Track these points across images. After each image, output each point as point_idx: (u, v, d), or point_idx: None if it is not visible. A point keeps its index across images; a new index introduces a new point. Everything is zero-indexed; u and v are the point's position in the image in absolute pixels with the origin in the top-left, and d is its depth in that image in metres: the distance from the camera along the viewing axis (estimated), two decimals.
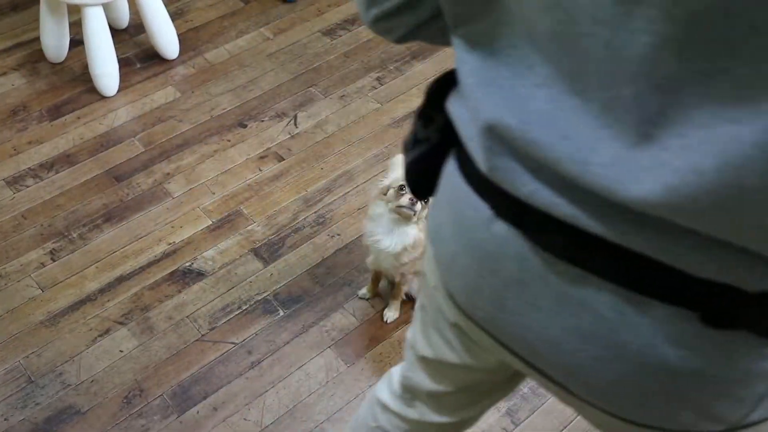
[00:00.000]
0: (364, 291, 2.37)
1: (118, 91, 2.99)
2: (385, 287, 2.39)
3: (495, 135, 0.85)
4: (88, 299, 2.36)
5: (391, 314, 2.32)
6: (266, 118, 2.92)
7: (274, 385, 2.19)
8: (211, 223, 2.57)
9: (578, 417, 2.13)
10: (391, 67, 3.13)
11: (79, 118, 2.90)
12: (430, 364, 1.28)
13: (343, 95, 3.02)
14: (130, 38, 3.22)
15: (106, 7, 3.06)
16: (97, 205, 2.61)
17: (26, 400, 2.14)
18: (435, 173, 1.05)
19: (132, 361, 2.23)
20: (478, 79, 0.86)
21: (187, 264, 2.46)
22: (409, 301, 2.35)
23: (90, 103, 2.95)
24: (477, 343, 1.11)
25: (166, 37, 3.05)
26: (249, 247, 2.51)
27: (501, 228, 0.90)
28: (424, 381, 1.32)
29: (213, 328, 2.31)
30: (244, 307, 2.36)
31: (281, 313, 2.35)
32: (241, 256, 2.48)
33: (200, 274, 2.43)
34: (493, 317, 0.98)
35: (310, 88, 3.04)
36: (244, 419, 2.12)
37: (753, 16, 0.63)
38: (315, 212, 2.61)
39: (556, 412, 2.15)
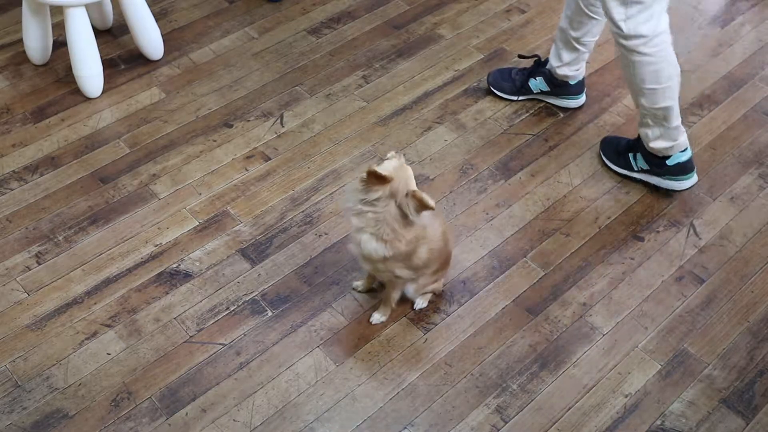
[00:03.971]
0: (358, 283, 2.37)
1: (103, 92, 2.97)
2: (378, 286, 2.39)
3: None
4: (75, 302, 2.35)
5: (377, 316, 2.31)
6: (252, 118, 2.91)
7: (263, 386, 2.18)
8: (197, 224, 2.56)
9: (568, 413, 2.14)
10: (377, 66, 3.12)
11: (63, 120, 2.88)
12: None
13: (329, 94, 3.01)
14: (114, 39, 3.20)
15: (90, 8, 3.04)
16: (83, 207, 2.60)
17: (13, 404, 2.12)
18: None
19: (120, 364, 2.22)
20: None
21: (174, 265, 2.45)
22: (401, 301, 2.34)
23: (74, 105, 2.93)
24: None
25: (150, 38, 3.04)
26: (236, 248, 2.50)
27: None
28: None
29: (201, 330, 2.30)
30: (232, 308, 2.35)
31: (269, 314, 2.34)
32: (228, 257, 2.47)
33: (187, 276, 2.42)
34: None
35: (296, 87, 3.03)
36: (234, 420, 2.11)
37: None
38: (302, 212, 2.61)
39: (546, 408, 2.15)
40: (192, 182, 2.68)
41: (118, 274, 2.42)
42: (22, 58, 3.10)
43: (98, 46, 2.88)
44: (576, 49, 2.75)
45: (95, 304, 2.35)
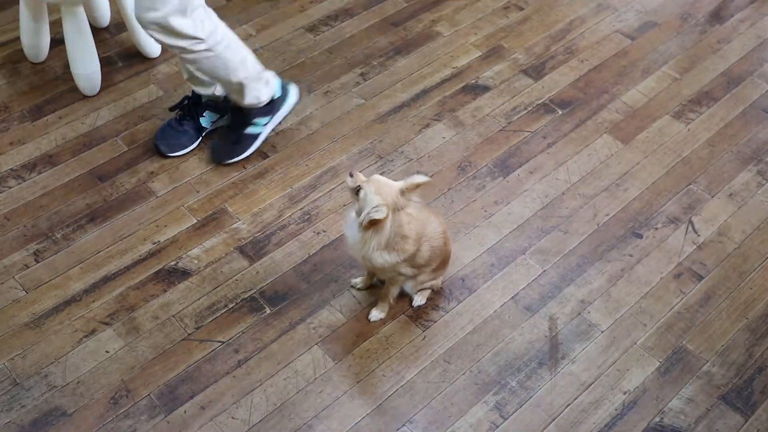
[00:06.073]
0: (357, 280, 2.37)
1: (100, 90, 2.97)
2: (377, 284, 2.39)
3: None
4: (73, 300, 2.35)
5: (376, 314, 2.31)
6: None
7: (262, 383, 2.18)
8: (195, 221, 2.56)
9: (566, 410, 2.14)
10: (375, 63, 3.12)
11: (61, 118, 2.87)
12: None
13: (327, 91, 3.01)
14: (112, 37, 3.20)
15: (87, 6, 3.04)
16: (81, 205, 2.60)
17: (12, 402, 2.12)
18: None
19: (118, 362, 2.21)
20: None
21: (173, 263, 2.45)
22: (400, 299, 2.34)
23: (72, 103, 2.92)
24: None
25: (147, 36, 3.02)
26: (234, 245, 2.50)
27: None
28: None
29: (199, 327, 2.30)
30: (230, 306, 2.35)
31: (268, 311, 2.34)
32: (226, 255, 2.47)
33: (186, 273, 2.42)
34: None
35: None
36: (232, 418, 2.11)
37: None
38: (300, 209, 2.61)
39: (544, 405, 2.15)
40: (190, 180, 2.68)
41: (117, 272, 2.42)
42: (19, 56, 3.09)
43: (96, 44, 2.88)
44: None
45: (93, 301, 2.35)
